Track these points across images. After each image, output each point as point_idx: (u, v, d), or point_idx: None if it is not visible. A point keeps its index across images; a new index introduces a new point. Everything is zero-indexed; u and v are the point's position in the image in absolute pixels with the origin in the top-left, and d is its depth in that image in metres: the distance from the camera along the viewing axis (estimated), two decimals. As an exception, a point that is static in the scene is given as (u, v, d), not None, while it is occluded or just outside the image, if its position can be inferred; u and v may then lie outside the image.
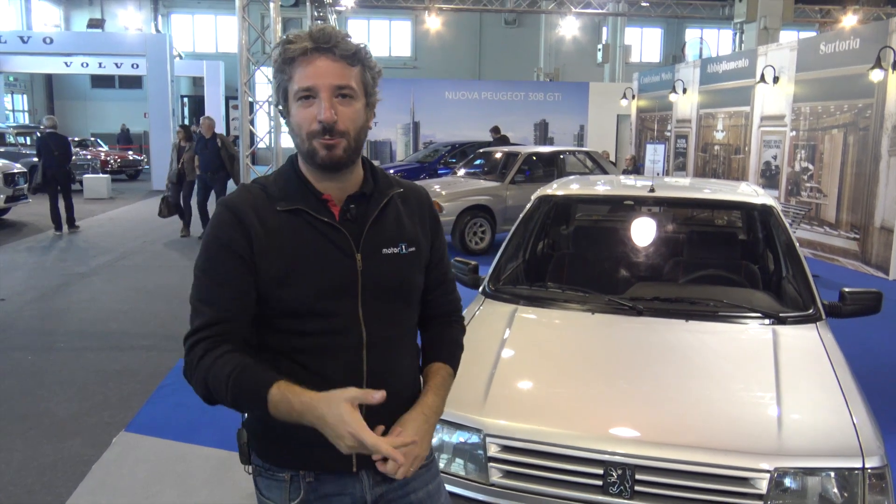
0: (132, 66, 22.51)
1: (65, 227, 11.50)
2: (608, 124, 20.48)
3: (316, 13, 19.13)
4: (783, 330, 2.94)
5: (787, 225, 3.68)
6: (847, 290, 3.22)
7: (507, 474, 2.32)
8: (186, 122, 28.46)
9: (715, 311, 3.10)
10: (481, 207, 10.10)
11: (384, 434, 1.49)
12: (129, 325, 6.38)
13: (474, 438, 2.37)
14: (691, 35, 31.29)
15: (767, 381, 2.53)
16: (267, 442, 1.57)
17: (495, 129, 15.18)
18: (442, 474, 2.34)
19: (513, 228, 3.97)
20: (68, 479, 3.60)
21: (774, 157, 11.21)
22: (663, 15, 24.08)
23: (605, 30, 26.90)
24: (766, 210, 3.80)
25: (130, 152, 23.23)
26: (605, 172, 11.14)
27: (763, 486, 2.11)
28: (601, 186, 4.49)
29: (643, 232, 4.13)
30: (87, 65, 23.35)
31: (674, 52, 30.34)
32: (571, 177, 5.14)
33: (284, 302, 1.48)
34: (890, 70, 8.57)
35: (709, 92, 13.56)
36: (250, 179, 1.96)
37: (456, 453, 2.40)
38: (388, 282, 1.55)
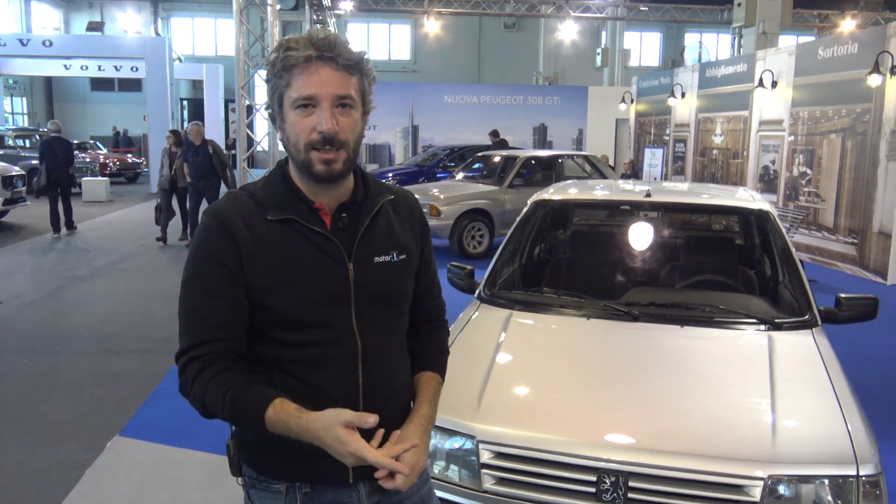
0: (132, 68, 22.54)
1: (63, 229, 11.55)
2: (607, 128, 20.50)
3: (315, 17, 19.15)
4: (779, 336, 2.93)
5: (784, 230, 3.67)
6: (843, 295, 3.22)
7: (500, 481, 2.31)
8: (186, 125, 28.48)
9: (710, 317, 3.10)
10: (479, 211, 10.08)
11: (384, 438, 1.49)
12: (126, 328, 6.37)
13: (467, 445, 2.36)
14: (690, 39, 31.35)
15: (762, 388, 2.52)
16: (261, 453, 1.55)
17: (494, 133, 15.17)
18: (435, 480, 2.34)
19: (508, 233, 3.96)
20: (62, 483, 3.58)
21: (773, 162, 11.21)
22: (662, 19, 24.12)
23: (604, 34, 26.94)
24: (762, 215, 3.79)
25: (129, 155, 23.24)
26: (603, 176, 11.14)
27: (757, 493, 2.10)
28: (597, 191, 4.48)
29: (640, 237, 4.12)
30: (87, 68, 23.37)
31: (673, 57, 30.38)
32: (568, 181, 5.14)
33: (276, 313, 1.46)
34: (888, 75, 8.58)
35: (707, 96, 13.56)
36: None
37: (449, 459, 2.39)
38: (380, 290, 1.54)
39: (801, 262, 3.96)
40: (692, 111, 14.10)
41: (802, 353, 2.82)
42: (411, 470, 1.44)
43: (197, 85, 28.15)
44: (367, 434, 1.43)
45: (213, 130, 23.10)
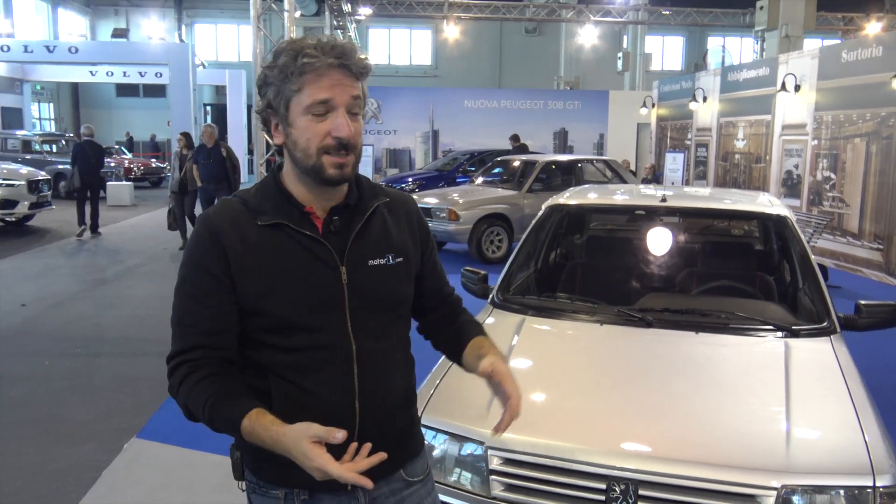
0: (156, 74, 22.86)
1: (87, 232, 11.80)
2: (628, 133, 20.37)
3: (336, 22, 19.25)
4: (796, 343, 2.89)
5: (804, 235, 3.61)
6: (863, 302, 3.16)
7: (509, 487, 2.29)
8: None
9: (726, 324, 3.06)
10: (498, 216, 10.07)
11: (389, 442, 1.50)
12: (145, 331, 6.42)
13: (476, 450, 2.35)
14: (713, 43, 31.11)
15: (777, 396, 2.48)
16: (261, 459, 1.55)
17: (515, 138, 15.15)
18: (443, 486, 2.33)
19: (522, 238, 3.95)
20: (79, 484, 3.62)
21: (796, 167, 11.08)
22: (684, 23, 23.94)
23: (625, 38, 26.82)
24: (780, 221, 3.74)
25: (154, 160, 23.52)
26: (623, 181, 11.07)
27: (769, 503, 2.06)
28: (613, 196, 4.45)
29: (657, 242, 4.08)
30: (112, 74, 23.75)
31: (696, 61, 30.16)
32: (584, 186, 5.11)
33: (268, 318, 1.46)
34: (913, 78, 8.45)
35: (729, 100, 13.44)
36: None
37: (458, 465, 2.38)
38: (375, 294, 1.52)
39: (825, 268, 3.93)
40: (714, 115, 13.98)
41: (820, 360, 2.77)
42: (512, 418, 1.52)
43: (220, 90, 28.44)
44: (340, 448, 1.42)
45: (237, 135, 23.33)
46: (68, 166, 17.30)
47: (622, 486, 2.15)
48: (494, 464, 2.31)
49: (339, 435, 1.30)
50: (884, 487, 2.07)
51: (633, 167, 17.99)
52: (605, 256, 4.29)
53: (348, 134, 1.43)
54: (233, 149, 10.67)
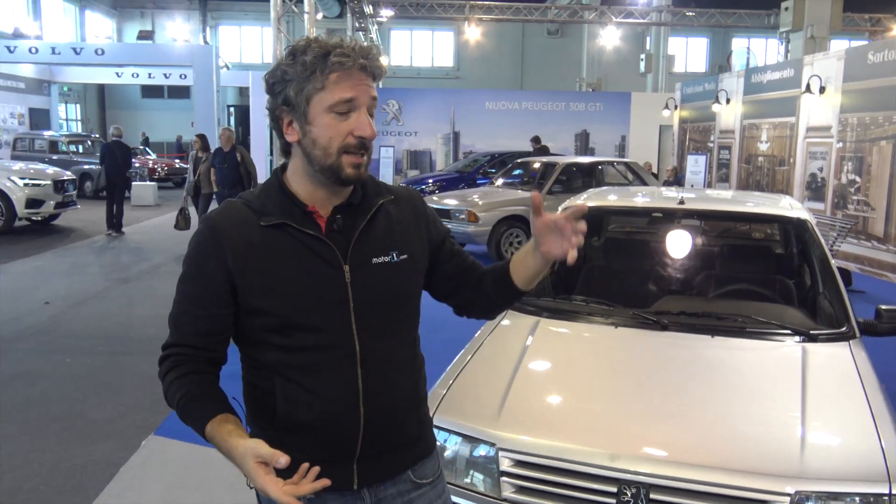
0: (180, 76, 23.08)
1: (112, 231, 12.09)
2: (650, 135, 20.24)
3: (357, 24, 19.33)
4: (813, 348, 2.85)
5: (822, 239, 3.57)
6: (884, 307, 3.11)
7: (520, 489, 2.28)
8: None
9: (743, 327, 3.03)
10: (518, 218, 10.05)
11: (395, 442, 1.53)
12: (166, 330, 6.44)
13: (488, 452, 2.34)
14: (738, 44, 30.83)
15: (793, 401, 2.45)
16: None
17: (536, 140, 15.12)
18: (455, 487, 2.33)
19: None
20: (97, 480, 3.67)
21: (820, 169, 10.93)
22: (707, 24, 23.75)
23: (648, 39, 26.66)
24: (800, 224, 3.70)
25: (177, 160, 23.76)
26: (644, 184, 11.00)
27: (782, 509, 2.04)
28: (630, 198, 4.43)
29: (675, 245, 4.05)
30: (138, 75, 24.02)
31: (720, 62, 29.91)
32: (602, 188, 5.09)
33: (272, 318, 1.47)
34: (941, 80, 8.30)
35: (753, 102, 13.30)
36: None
37: (469, 466, 2.38)
38: (380, 292, 1.52)
39: (848, 272, 3.87)
40: (737, 117, 13.84)
41: (837, 365, 2.73)
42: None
43: (244, 92, 28.65)
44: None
45: (259, 137, 23.48)
46: (94, 166, 17.66)
47: (633, 490, 2.14)
48: (505, 465, 2.30)
49: (282, 461, 1.30)
50: (900, 495, 2.03)
51: (654, 169, 17.87)
52: (622, 259, 4.26)
53: (372, 133, 1.45)
54: (248, 153, 10.52)
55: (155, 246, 11.21)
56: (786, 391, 2.53)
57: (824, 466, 2.14)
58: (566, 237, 1.48)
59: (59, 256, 10.26)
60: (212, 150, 10.19)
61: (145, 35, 26.48)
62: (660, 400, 2.52)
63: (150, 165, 21.36)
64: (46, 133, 20.31)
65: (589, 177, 11.14)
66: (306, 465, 1.34)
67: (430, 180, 15.16)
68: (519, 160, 12.72)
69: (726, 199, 4.59)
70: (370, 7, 20.73)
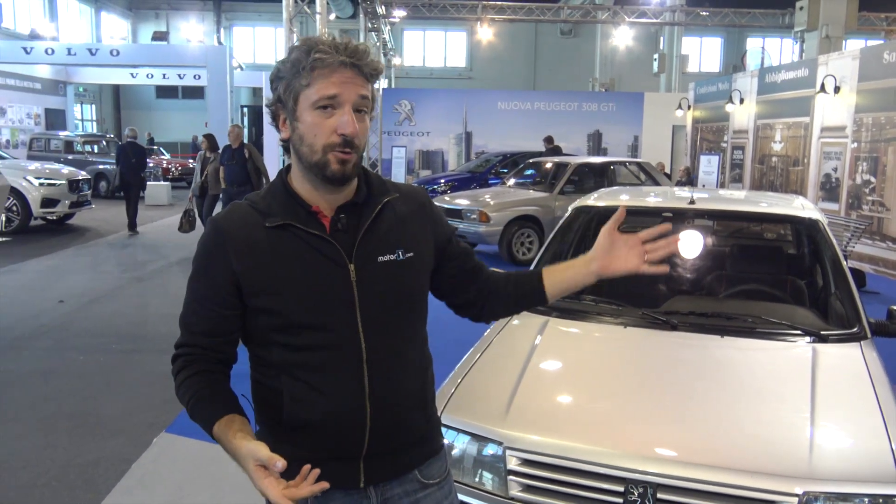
0: (194, 76, 23.19)
1: (126, 231, 12.30)
2: (663, 135, 20.15)
3: (370, 24, 19.38)
4: (824, 348, 2.83)
5: (834, 239, 3.54)
6: (896, 307, 3.09)
7: (527, 488, 2.28)
8: (246, 132, 29.11)
9: (753, 327, 3.01)
10: (529, 218, 10.04)
11: (402, 441, 1.55)
12: (178, 329, 6.51)
13: (495, 450, 2.35)
14: (753, 44, 30.65)
15: (802, 401, 2.44)
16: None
17: (548, 140, 15.10)
18: (462, 486, 2.33)
19: (548, 239, 3.93)
20: (109, 477, 3.70)
21: (835, 170, 10.85)
22: (721, 24, 23.62)
23: (661, 39, 26.55)
24: (812, 224, 3.67)
25: (191, 160, 23.89)
26: (656, 184, 10.95)
27: (790, 509, 2.03)
28: (641, 198, 4.41)
29: (685, 245, 4.03)
30: (152, 76, 24.17)
31: (734, 62, 29.74)
32: (613, 188, 5.07)
33: (278, 317, 1.48)
34: (958, 79, 8.22)
35: (767, 102, 13.22)
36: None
37: (476, 465, 2.38)
38: (385, 291, 1.52)
39: (863, 273, 3.84)
40: (751, 117, 13.76)
41: (848, 366, 2.71)
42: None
43: (257, 92, 28.80)
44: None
45: (273, 137, 23.57)
46: (108, 166, 17.80)
47: (640, 489, 2.13)
48: (513, 464, 2.30)
49: (279, 464, 1.31)
50: (910, 496, 2.02)
51: (667, 170, 17.79)
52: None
53: (352, 131, 1.43)
54: (257, 151, 10.33)
55: (168, 245, 11.28)
56: (795, 391, 2.52)
57: (833, 467, 2.13)
58: (636, 253, 1.59)
59: (74, 255, 10.35)
60: (220, 150, 10.08)
61: (160, 36, 26.68)
62: (668, 400, 2.51)
63: (164, 165, 21.51)
64: (62, 133, 20.50)
65: (601, 177, 11.10)
66: (307, 466, 1.34)
67: (442, 180, 15.17)
68: (531, 160, 12.70)
69: (737, 199, 4.57)
70: (383, 7, 20.78)
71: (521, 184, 11.55)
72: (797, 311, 3.32)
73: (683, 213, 3.97)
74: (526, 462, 2.30)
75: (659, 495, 2.12)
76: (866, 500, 2.05)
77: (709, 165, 13.18)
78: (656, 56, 25.35)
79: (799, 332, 2.96)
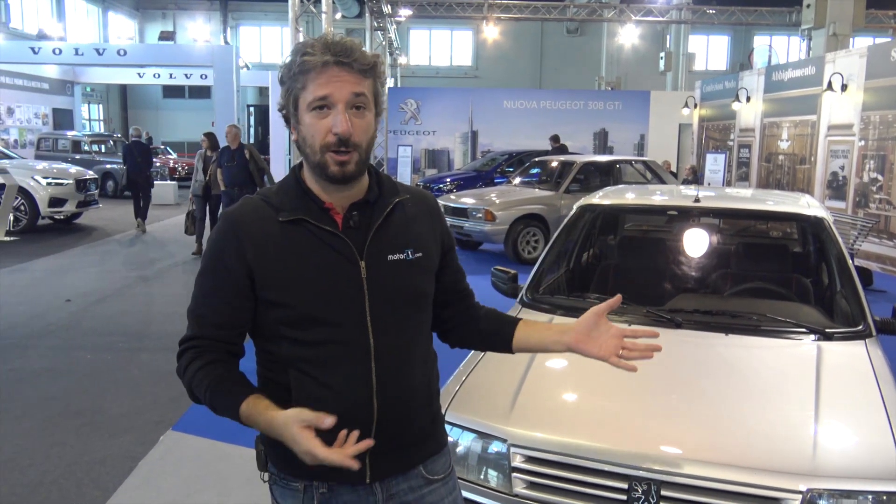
0: (201, 76, 23.26)
1: (139, 227, 12.53)
2: (670, 134, 20.11)
3: (376, 24, 19.39)
4: (828, 346, 2.83)
5: (839, 237, 3.53)
6: (901, 305, 3.09)
7: (531, 485, 2.29)
8: (252, 131, 29.19)
9: (757, 325, 3.01)
10: (535, 216, 10.04)
11: (405, 440, 1.56)
12: (184, 327, 6.53)
13: (499, 448, 2.35)
14: (760, 42, 30.54)
15: (806, 399, 2.44)
16: (281, 451, 1.58)
17: (555, 138, 15.09)
18: (466, 482, 2.34)
19: (552, 238, 3.93)
20: (116, 474, 3.72)
21: (842, 168, 10.82)
22: (728, 22, 23.55)
23: (668, 37, 26.49)
24: (817, 222, 3.66)
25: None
26: (662, 183, 10.94)
27: (794, 507, 2.03)
28: (645, 196, 4.41)
29: (690, 243, 4.04)
30: (159, 76, 24.25)
31: (741, 60, 29.64)
32: (618, 186, 5.07)
33: (288, 311, 1.49)
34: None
35: (773, 100, 13.19)
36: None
37: (480, 462, 2.39)
38: (394, 288, 1.54)
39: (869, 271, 3.83)
40: (757, 116, 13.73)
41: (853, 364, 2.71)
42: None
43: (263, 92, 28.80)
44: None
45: (279, 136, 23.63)
46: (116, 166, 17.87)
47: (644, 487, 2.14)
48: (517, 461, 2.31)
49: (328, 420, 1.33)
50: (914, 494, 2.02)
51: (673, 168, 17.75)
52: (637, 257, 4.25)
53: (344, 130, 1.44)
54: (257, 150, 10.03)
55: (174, 244, 11.32)
56: (800, 389, 2.52)
57: (837, 464, 2.13)
58: (613, 344, 1.60)
59: (81, 255, 10.40)
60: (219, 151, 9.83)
61: (167, 36, 26.75)
62: (672, 397, 2.51)
63: (171, 165, 21.58)
64: (69, 133, 20.58)
65: (607, 176, 11.10)
66: (345, 431, 1.38)
67: (448, 179, 15.17)
68: (536, 159, 12.70)
69: (743, 197, 4.57)
70: (389, 6, 20.80)
71: (526, 183, 11.55)
72: (802, 309, 3.32)
73: (689, 212, 3.96)
74: (530, 459, 2.30)
75: (663, 492, 2.12)
76: (870, 497, 2.05)
77: (715, 164, 13.15)
78: (662, 54, 25.29)
79: (804, 329, 2.95)
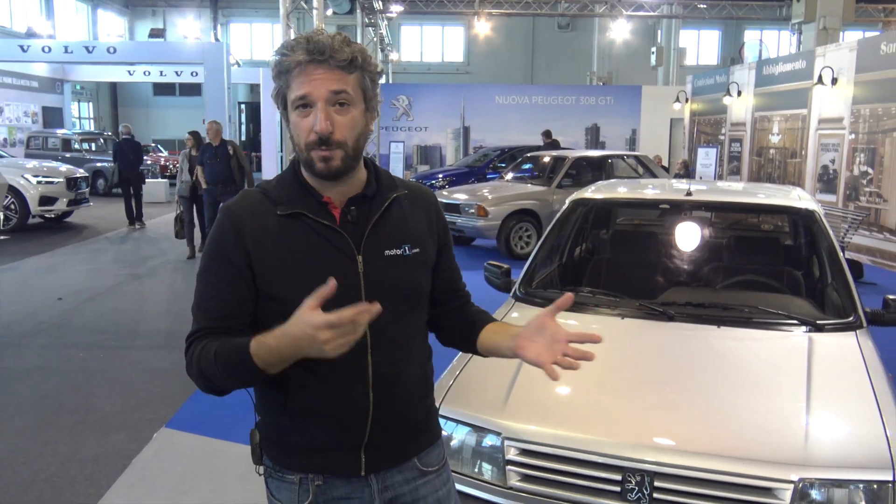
0: (191, 73, 23.15)
1: (136, 224, 12.65)
2: (661, 128, 20.16)
3: (367, 20, 19.35)
4: (819, 338, 2.85)
5: (830, 230, 3.55)
6: (891, 297, 3.11)
7: (525, 478, 2.30)
8: (243, 128, 29.09)
9: (749, 318, 3.03)
10: (527, 212, 10.05)
11: (400, 436, 1.56)
12: (177, 324, 6.54)
13: (494, 441, 2.36)
14: (750, 37, 30.58)
15: (797, 390, 2.46)
16: (277, 444, 1.59)
17: (547, 134, 15.11)
18: (461, 476, 2.35)
19: (545, 232, 3.94)
20: (109, 472, 3.71)
21: (832, 161, 10.87)
22: (719, 16, 23.61)
23: (659, 32, 26.52)
24: (808, 215, 3.68)
25: (188, 158, 23.85)
26: (654, 177, 10.96)
27: (786, 496, 2.05)
28: (638, 190, 4.42)
29: (682, 237, 4.05)
30: (149, 73, 24.13)
31: (731, 55, 29.69)
32: (610, 180, 5.09)
33: (285, 304, 1.47)
34: (954, 70, 8.23)
35: (764, 94, 13.23)
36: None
37: (475, 455, 2.40)
38: (391, 283, 1.54)
39: (860, 264, 3.87)
40: (748, 110, 13.77)
41: (843, 355, 2.73)
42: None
43: (254, 89, 28.73)
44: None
45: (270, 133, 23.57)
46: (106, 164, 17.78)
47: (637, 478, 2.15)
48: (511, 454, 2.32)
49: (331, 283, 1.30)
50: (905, 482, 2.04)
51: (665, 163, 17.80)
52: (629, 251, 4.26)
53: (322, 129, 1.43)
54: (240, 147, 9.76)
55: (166, 241, 11.28)
56: (791, 380, 2.54)
57: (828, 454, 2.15)
58: (554, 350, 1.49)
59: (72, 253, 10.35)
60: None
61: (157, 33, 26.61)
62: (665, 389, 2.53)
63: (162, 163, 21.50)
64: (59, 131, 20.46)
65: (599, 170, 11.11)
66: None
67: (441, 175, 15.18)
68: (529, 154, 12.71)
69: (734, 190, 4.59)
70: (380, 2, 20.76)
71: (518, 178, 11.56)
72: (792, 301, 3.34)
73: (681, 205, 3.98)
74: (524, 452, 2.32)
75: (656, 483, 2.14)
76: (861, 485, 2.07)
77: (706, 158, 13.20)
78: (654, 49, 25.30)
79: (795, 321, 2.97)
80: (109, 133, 22.83)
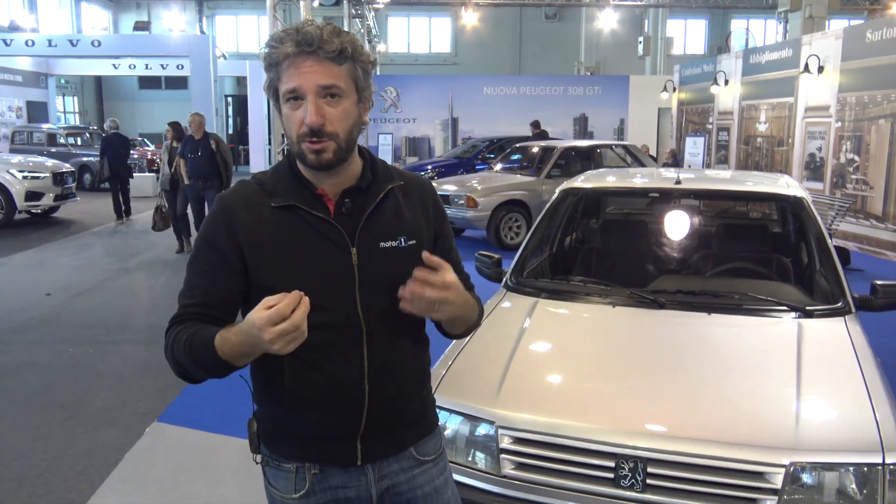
0: (177, 66, 22.98)
1: (124, 217, 12.66)
2: (649, 118, 20.20)
3: (354, 11, 19.26)
4: (809, 323, 2.88)
5: (818, 217, 3.58)
6: (879, 282, 3.14)
7: (520, 466, 2.31)
8: (230, 122, 28.91)
9: (739, 305, 3.05)
10: (517, 202, 10.06)
11: (394, 433, 1.57)
12: (166, 318, 6.39)
13: (487, 430, 2.37)
14: (737, 26, 30.65)
15: (787, 375, 2.48)
16: (274, 433, 1.60)
17: (535, 124, 15.11)
18: (455, 465, 2.36)
19: (535, 222, 3.95)
20: (101, 467, 3.70)
21: (819, 149, 10.93)
22: (705, 5, 23.66)
23: (646, 22, 26.54)
24: (797, 202, 3.71)
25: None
26: (642, 166, 10.99)
27: (778, 480, 2.07)
28: (627, 179, 4.44)
29: (672, 225, 4.07)
30: (135, 66, 23.96)
31: (718, 44, 29.75)
32: (600, 170, 5.10)
33: None
34: (939, 57, 8.28)
35: (751, 83, 13.27)
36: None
37: (469, 444, 2.41)
38: (386, 275, 1.53)
39: (847, 251, 3.90)
40: (736, 99, 13.82)
41: (832, 340, 2.76)
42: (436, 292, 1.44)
43: (241, 81, 28.53)
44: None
45: (258, 126, 23.46)
46: (92, 158, 17.63)
47: (631, 464, 2.17)
48: (505, 443, 2.34)
49: (294, 294, 1.31)
50: (893, 464, 2.06)
51: (653, 152, 17.85)
52: (619, 240, 4.28)
53: (313, 122, 1.42)
54: (223, 141, 9.47)
55: (154, 236, 11.17)
56: (781, 366, 2.56)
57: (819, 438, 2.17)
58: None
59: (60, 248, 10.28)
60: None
61: (141, 26, 26.36)
62: (657, 376, 2.54)
63: (149, 157, 21.34)
64: (44, 126, 20.25)
65: (587, 160, 11.13)
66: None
67: (429, 167, 15.15)
68: (517, 145, 12.71)
69: (723, 178, 4.61)
70: (366, -6, 20.69)
71: (508, 169, 11.56)
72: (783, 287, 3.37)
73: (670, 193, 4.00)
74: (518, 440, 2.33)
75: (649, 469, 2.16)
76: (851, 469, 2.09)
77: (694, 147, 13.24)
78: (641, 39, 25.34)
79: (784, 307, 3.00)
80: (95, 127, 22.62)
